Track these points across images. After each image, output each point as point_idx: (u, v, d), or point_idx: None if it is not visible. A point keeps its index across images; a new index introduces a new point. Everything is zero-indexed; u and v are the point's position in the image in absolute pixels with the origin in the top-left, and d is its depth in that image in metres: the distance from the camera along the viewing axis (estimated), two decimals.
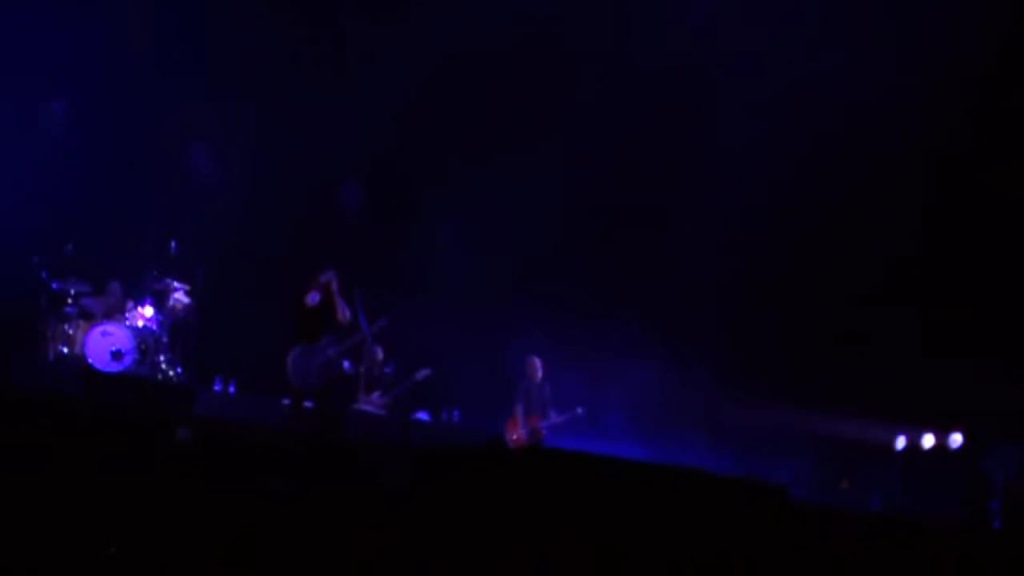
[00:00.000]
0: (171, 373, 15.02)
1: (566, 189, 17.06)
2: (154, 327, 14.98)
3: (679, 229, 17.07)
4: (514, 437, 15.77)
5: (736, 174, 16.65)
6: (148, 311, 14.99)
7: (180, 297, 15.48)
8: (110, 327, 14.57)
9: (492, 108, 17.33)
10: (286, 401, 14.29)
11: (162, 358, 15.01)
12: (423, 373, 15.50)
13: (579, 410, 15.93)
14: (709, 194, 16.88)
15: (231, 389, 15.64)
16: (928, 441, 16.39)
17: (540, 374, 16.11)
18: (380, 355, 15.51)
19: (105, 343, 14.43)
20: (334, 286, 13.66)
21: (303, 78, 17.05)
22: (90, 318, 14.81)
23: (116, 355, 14.35)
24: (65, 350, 14.60)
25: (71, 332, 14.67)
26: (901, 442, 16.56)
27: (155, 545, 6.44)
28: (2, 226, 15.26)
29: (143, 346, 14.71)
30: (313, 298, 13.76)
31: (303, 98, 17.02)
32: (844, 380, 16.81)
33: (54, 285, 14.80)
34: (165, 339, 15.13)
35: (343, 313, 13.77)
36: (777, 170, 16.44)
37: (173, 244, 15.44)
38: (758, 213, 16.65)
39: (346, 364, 14.44)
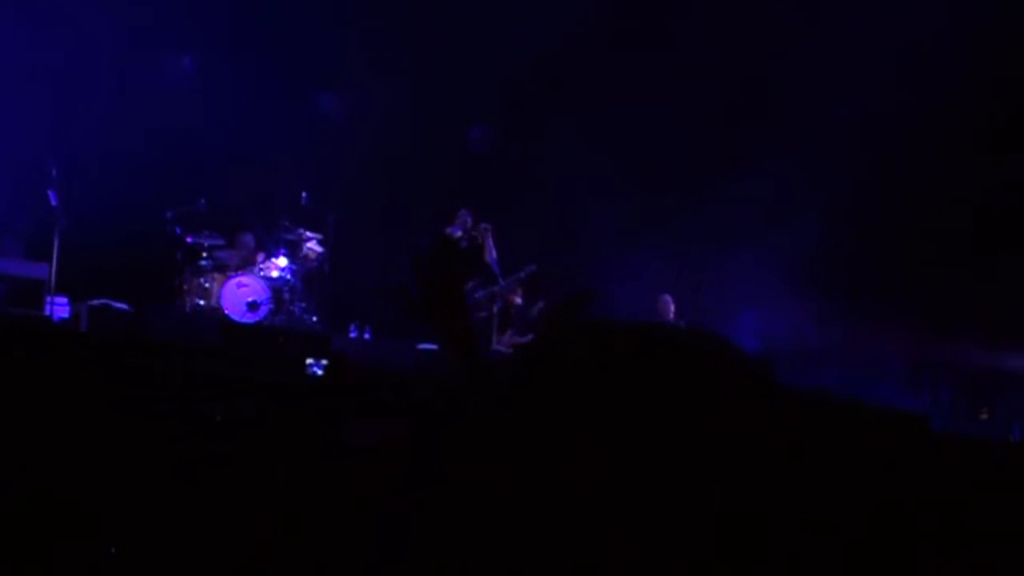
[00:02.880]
0: (307, 322, 15.14)
1: (686, 116, 16.76)
2: (288, 277, 15.10)
3: (805, 148, 16.60)
4: None
5: (864, 86, 16.18)
6: (282, 261, 15.12)
7: (313, 246, 15.57)
8: (245, 279, 14.74)
9: (615, 42, 17.05)
10: (423, 346, 14.31)
11: (297, 307, 15.13)
12: (528, 270, 15.28)
13: None
14: (831, 105, 16.41)
15: (366, 335, 15.70)
16: None
17: (672, 312, 15.95)
18: (519, 299, 15.47)
19: (241, 294, 14.59)
20: (485, 234, 13.85)
21: (429, 22, 16.93)
22: (225, 270, 14.98)
23: (252, 306, 14.50)
24: (202, 303, 14.78)
25: (207, 285, 14.85)
26: None
27: (279, 486, 6.43)
28: (136, 182, 15.46)
29: (278, 296, 14.86)
30: (453, 230, 13.97)
31: (429, 42, 16.89)
32: (983, 308, 16.30)
33: (189, 239, 15.00)
34: (300, 288, 15.26)
35: (489, 254, 13.88)
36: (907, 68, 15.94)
37: (304, 195, 15.54)
38: (884, 125, 16.14)
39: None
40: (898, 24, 15.75)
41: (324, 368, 8.71)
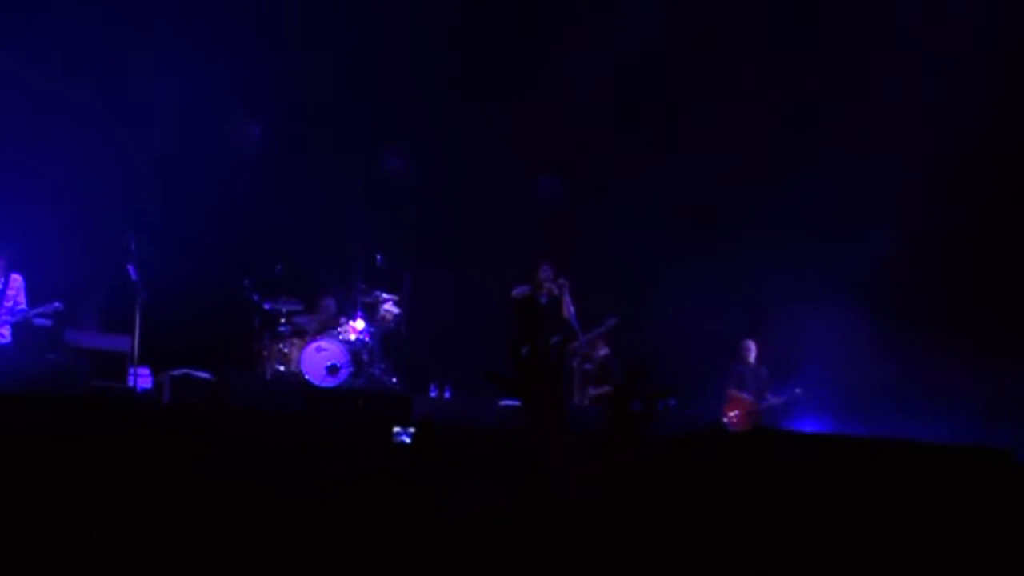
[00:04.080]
0: (387, 383, 15.14)
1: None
2: (367, 339, 15.12)
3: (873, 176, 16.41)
4: (733, 420, 15.48)
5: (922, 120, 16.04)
6: (360, 324, 15.14)
7: (390, 308, 15.60)
8: (324, 343, 14.78)
9: (676, 92, 17.05)
10: (505, 402, 14.26)
11: (377, 369, 15.14)
12: (608, 323, 15.24)
13: (797, 390, 15.66)
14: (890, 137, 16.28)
15: (446, 394, 15.66)
16: None
17: (754, 356, 15.89)
18: (605, 350, 15.44)
19: (320, 359, 14.63)
20: (563, 289, 13.90)
21: (493, 75, 17.00)
22: (303, 335, 15.04)
23: (332, 369, 14.53)
24: (282, 368, 14.83)
25: (286, 351, 14.91)
26: None
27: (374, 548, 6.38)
28: (212, 251, 15.63)
29: (358, 359, 14.87)
30: (520, 291, 13.96)
31: (493, 95, 16.92)
32: None
33: (266, 305, 15.07)
34: (378, 350, 15.27)
35: (567, 310, 13.90)
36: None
37: (379, 257, 15.56)
38: (955, 134, 15.94)
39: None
40: (954, 30, 15.69)
41: (411, 436, 8.70)
